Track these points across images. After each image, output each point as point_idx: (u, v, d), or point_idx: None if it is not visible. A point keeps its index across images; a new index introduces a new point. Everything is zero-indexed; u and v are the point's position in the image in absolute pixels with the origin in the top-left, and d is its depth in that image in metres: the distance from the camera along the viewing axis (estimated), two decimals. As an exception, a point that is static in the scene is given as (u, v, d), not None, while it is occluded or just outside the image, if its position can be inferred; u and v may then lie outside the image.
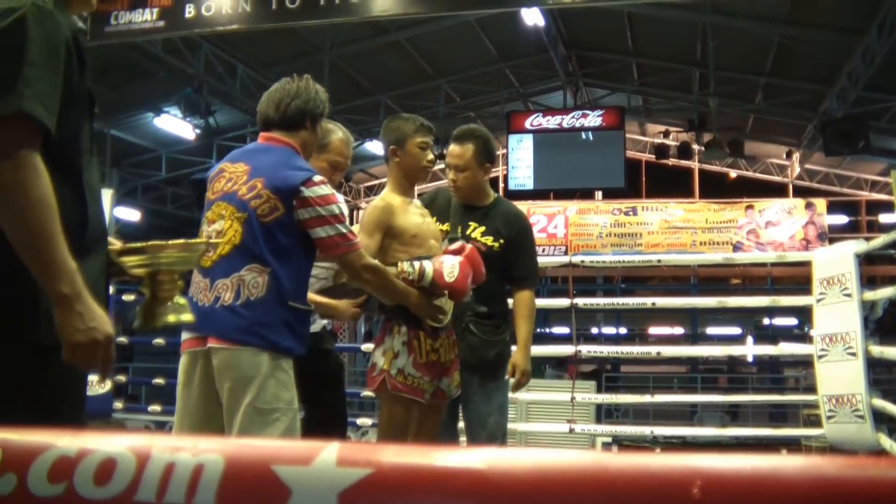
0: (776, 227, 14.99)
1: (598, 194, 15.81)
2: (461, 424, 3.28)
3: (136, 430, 6.26)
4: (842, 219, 16.52)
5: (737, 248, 14.73)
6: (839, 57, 10.66)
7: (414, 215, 2.87)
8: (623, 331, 17.27)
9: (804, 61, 11.30)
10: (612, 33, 12.18)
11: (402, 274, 2.67)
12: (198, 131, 12.71)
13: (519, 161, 13.39)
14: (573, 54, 13.63)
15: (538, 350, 4.25)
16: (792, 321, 16.66)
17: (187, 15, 7.67)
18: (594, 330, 16.31)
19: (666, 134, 14.67)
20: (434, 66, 12.94)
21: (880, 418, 4.71)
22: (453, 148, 3.17)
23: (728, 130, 14.13)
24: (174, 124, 12.69)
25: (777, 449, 5.46)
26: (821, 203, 15.23)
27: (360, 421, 5.58)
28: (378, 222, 2.80)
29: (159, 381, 6.18)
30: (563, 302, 5.43)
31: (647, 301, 6.73)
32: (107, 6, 7.73)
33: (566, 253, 14.00)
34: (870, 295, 4.76)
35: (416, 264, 2.69)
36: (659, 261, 9.04)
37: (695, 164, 16.21)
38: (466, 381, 2.98)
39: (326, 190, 2.36)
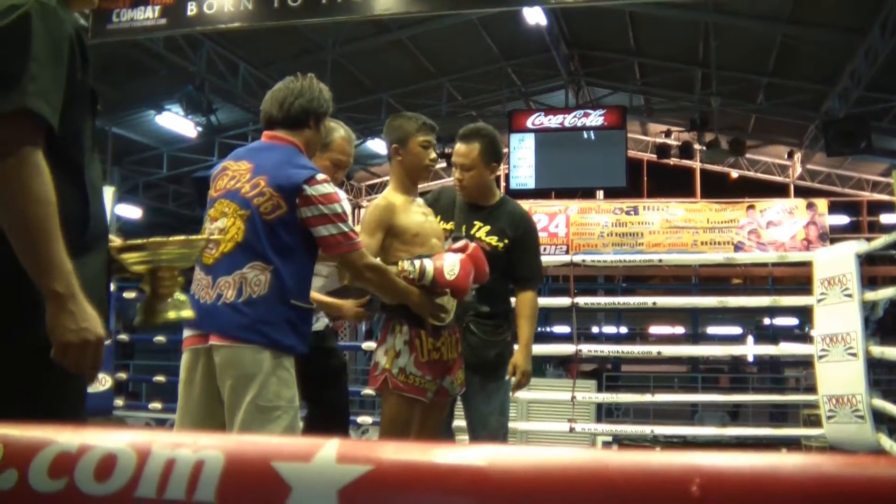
0: (777, 227, 14.98)
1: (600, 194, 15.81)
2: (458, 423, 3.28)
3: (137, 427, 6.26)
4: (843, 219, 16.51)
5: (738, 247, 14.72)
6: (841, 57, 10.65)
7: (416, 214, 2.86)
8: (624, 330, 17.26)
9: (806, 61, 11.28)
10: (614, 33, 12.17)
11: (403, 273, 2.66)
12: (199, 129, 12.72)
13: (520, 160, 13.39)
14: (575, 53, 13.62)
15: (539, 349, 4.24)
16: (793, 321, 16.65)
17: (189, 13, 7.68)
18: (595, 329, 16.30)
19: (667, 133, 14.66)
20: (436, 65, 12.94)
21: (880, 419, 4.71)
22: (459, 147, 3.16)
23: (730, 130, 14.12)
24: (176, 122, 12.70)
25: (777, 449, 5.46)
26: (822, 203, 15.22)
27: (360, 419, 5.58)
28: (379, 221, 2.79)
29: (160, 378, 6.18)
30: (563, 301, 5.43)
31: (648, 300, 6.73)
32: (109, 3, 7.74)
33: (567, 252, 13.99)
34: (870, 295, 4.76)
35: (417, 263, 2.68)
36: (660, 260, 9.06)
37: (696, 164, 16.21)
38: (468, 380, 2.98)
39: (329, 188, 2.36)
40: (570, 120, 13.14)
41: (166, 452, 0.86)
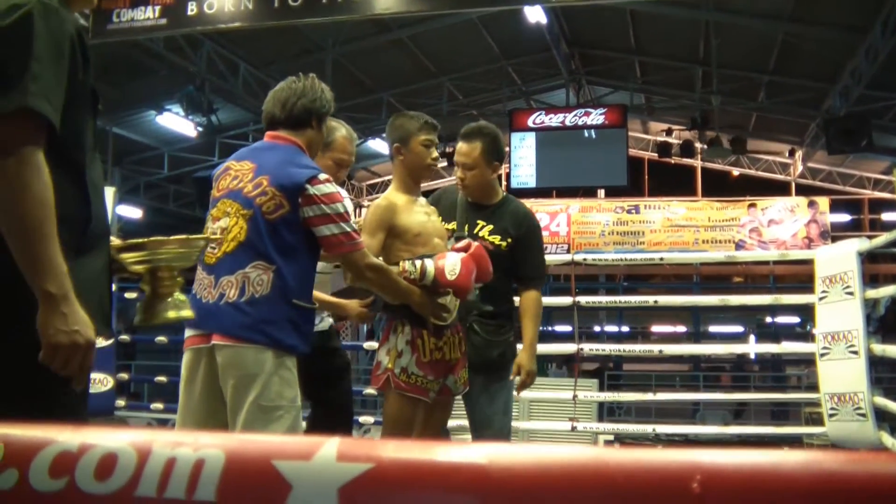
0: (779, 225, 14.98)
1: (601, 192, 15.80)
2: (455, 423, 3.27)
3: (139, 427, 6.26)
4: (844, 217, 16.50)
5: (739, 246, 14.72)
6: (842, 55, 10.64)
7: (418, 214, 2.86)
8: (625, 329, 17.24)
9: (807, 59, 11.27)
10: (614, 31, 12.17)
11: (404, 273, 2.66)
12: (200, 129, 12.72)
13: (521, 159, 13.39)
14: (576, 52, 13.62)
15: (541, 348, 4.24)
16: (794, 319, 16.64)
17: (189, 13, 7.68)
18: (596, 328, 16.29)
19: (668, 132, 14.65)
20: (436, 64, 12.94)
21: (882, 416, 4.71)
22: (461, 146, 3.15)
23: (731, 128, 14.12)
24: (176, 122, 12.70)
25: (779, 447, 5.45)
26: (823, 201, 15.21)
27: (362, 419, 5.59)
28: (380, 221, 2.79)
29: (161, 378, 6.18)
30: (565, 300, 5.43)
31: (650, 299, 6.72)
32: (109, 3, 7.74)
33: (568, 251, 13.98)
34: (872, 293, 4.76)
35: (418, 263, 2.68)
36: (661, 259, 9.06)
37: (697, 163, 16.19)
38: (471, 380, 2.97)
39: (332, 188, 2.36)
40: (570, 119, 13.14)
41: (167, 451, 0.86)
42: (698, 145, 14.44)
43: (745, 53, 11.78)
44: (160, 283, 1.69)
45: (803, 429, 5.86)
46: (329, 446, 0.82)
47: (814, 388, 5.57)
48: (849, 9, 9.70)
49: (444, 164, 11.64)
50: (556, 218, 15.33)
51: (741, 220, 15.05)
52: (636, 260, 9.86)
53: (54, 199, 1.42)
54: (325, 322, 3.14)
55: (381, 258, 2.67)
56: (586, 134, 13.06)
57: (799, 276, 12.00)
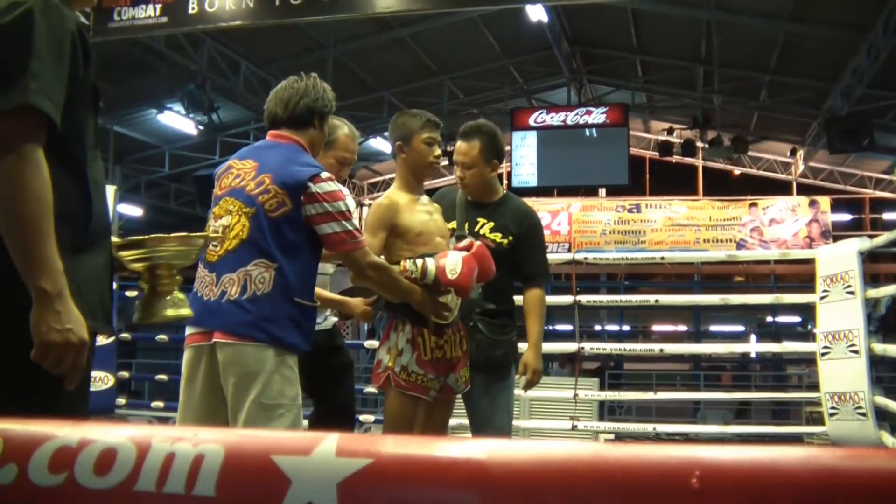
0: (780, 224, 14.97)
1: (602, 191, 15.79)
2: (455, 422, 3.27)
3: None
4: (846, 216, 16.49)
5: (740, 245, 14.71)
6: (844, 54, 10.63)
7: (420, 213, 2.85)
8: (626, 328, 17.22)
9: (809, 58, 11.26)
10: (616, 30, 12.16)
11: (405, 272, 2.66)
12: (201, 128, 12.72)
13: (522, 158, 13.38)
14: (577, 51, 13.61)
15: (542, 347, 4.24)
16: (795, 319, 16.62)
17: (190, 11, 7.67)
18: (597, 327, 16.27)
19: (670, 131, 14.64)
20: (438, 63, 12.93)
21: (883, 416, 4.71)
22: (460, 145, 3.15)
23: (732, 127, 14.11)
24: (177, 121, 12.71)
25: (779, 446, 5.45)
26: (825, 201, 15.20)
27: (362, 417, 5.58)
28: (382, 220, 2.79)
29: (162, 377, 6.19)
30: (566, 299, 5.43)
31: (651, 298, 6.71)
32: (110, 1, 7.74)
33: (570, 250, 13.98)
34: (873, 293, 4.76)
35: (419, 262, 2.68)
36: (662, 258, 9.05)
37: (699, 162, 16.18)
38: (472, 379, 2.96)
39: (334, 186, 2.36)
40: (572, 117, 13.13)
41: (166, 446, 0.86)
42: (699, 144, 14.43)
43: (747, 52, 11.77)
44: (159, 282, 1.69)
45: (804, 428, 5.86)
46: (328, 442, 0.82)
47: (814, 387, 5.57)
48: (850, 8, 9.69)
49: (446, 162, 11.62)
50: (557, 217, 15.32)
51: (742, 219, 15.04)
52: (637, 259, 9.85)
53: (55, 196, 1.42)
54: (328, 321, 3.15)
55: (382, 257, 2.67)
56: (587, 133, 13.05)
57: (800, 276, 11.98)
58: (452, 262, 2.68)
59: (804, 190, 16.10)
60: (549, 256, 3.58)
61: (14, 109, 1.39)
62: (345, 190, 2.66)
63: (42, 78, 1.41)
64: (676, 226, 15.17)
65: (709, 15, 10.60)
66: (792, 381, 13.08)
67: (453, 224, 3.13)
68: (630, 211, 15.36)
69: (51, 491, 0.87)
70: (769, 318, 16.13)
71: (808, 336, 11.52)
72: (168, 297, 1.69)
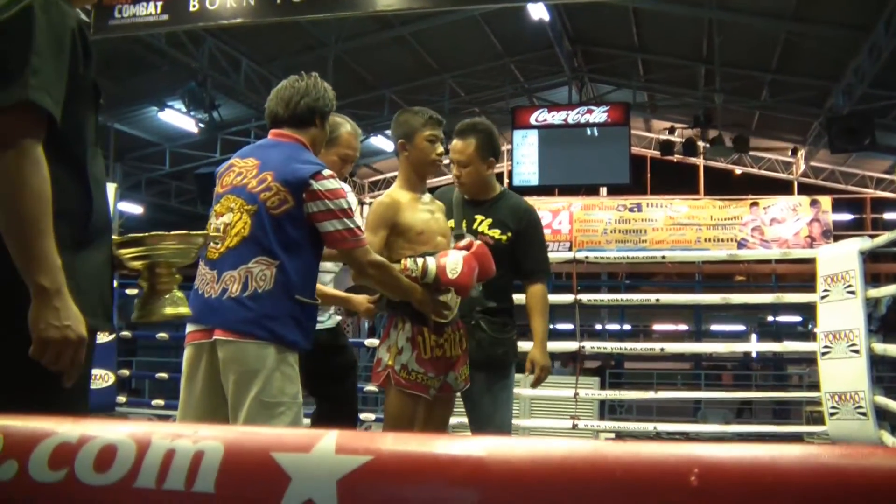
0: (781, 224, 14.96)
1: (603, 190, 15.79)
2: (456, 420, 3.26)
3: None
4: (847, 216, 16.47)
5: (741, 244, 14.70)
6: (845, 53, 10.62)
7: (421, 212, 2.85)
8: (627, 327, 17.22)
9: (810, 58, 11.25)
10: (617, 29, 12.15)
11: (406, 270, 2.66)
12: (201, 125, 12.72)
13: (524, 157, 13.37)
14: (578, 50, 13.60)
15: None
16: (796, 318, 16.62)
17: (191, 8, 7.67)
18: (598, 326, 16.28)
19: (671, 130, 14.63)
20: (439, 61, 12.92)
21: (883, 416, 4.70)
22: (455, 143, 3.15)
23: (733, 127, 14.10)
24: (178, 118, 12.70)
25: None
26: (826, 200, 15.20)
27: (363, 416, 5.58)
28: (383, 219, 2.79)
29: (163, 375, 6.20)
30: (567, 298, 5.42)
31: (651, 297, 6.72)
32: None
33: (570, 249, 13.98)
34: (874, 292, 4.76)
35: (420, 261, 2.68)
36: (663, 257, 9.05)
37: (700, 161, 16.17)
38: (472, 378, 2.95)
39: (335, 184, 2.36)
40: (573, 116, 13.13)
41: (166, 443, 0.86)
42: (701, 144, 14.41)
43: (748, 52, 11.76)
44: (158, 280, 1.68)
45: (804, 427, 5.86)
46: (328, 439, 0.82)
47: (815, 386, 5.57)
48: (852, 7, 9.68)
49: (447, 161, 11.61)
50: (558, 216, 15.32)
51: (743, 218, 15.04)
52: (638, 258, 9.84)
53: (54, 193, 1.42)
54: (332, 319, 3.15)
55: (383, 255, 2.67)
56: (589, 132, 13.04)
57: (801, 275, 11.98)
58: (453, 262, 2.68)
59: (805, 189, 16.09)
60: (551, 255, 3.57)
61: (14, 105, 1.38)
62: (347, 188, 2.66)
63: (42, 74, 1.41)
64: (677, 225, 15.16)
65: (710, 14, 10.59)
66: (792, 380, 13.09)
67: (451, 223, 3.12)
68: (631, 210, 15.36)
69: (51, 487, 0.87)
70: (770, 318, 16.13)
71: (809, 336, 11.52)
72: (167, 296, 1.69)
